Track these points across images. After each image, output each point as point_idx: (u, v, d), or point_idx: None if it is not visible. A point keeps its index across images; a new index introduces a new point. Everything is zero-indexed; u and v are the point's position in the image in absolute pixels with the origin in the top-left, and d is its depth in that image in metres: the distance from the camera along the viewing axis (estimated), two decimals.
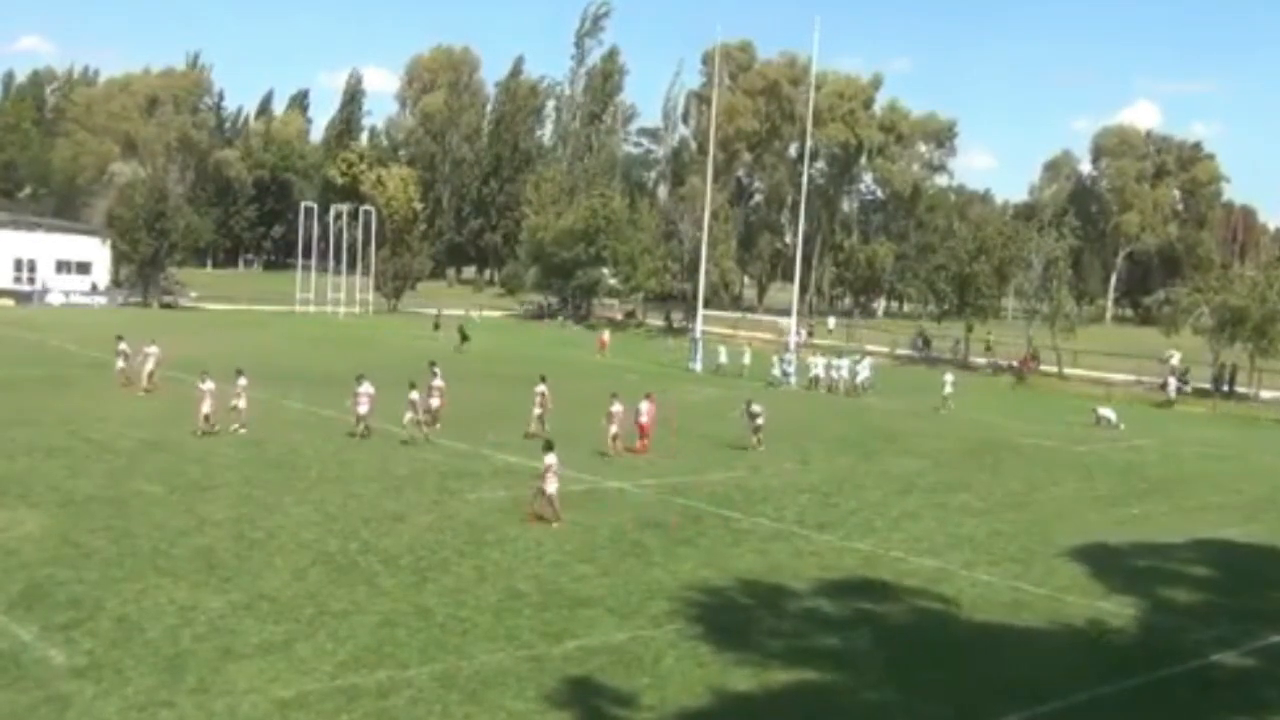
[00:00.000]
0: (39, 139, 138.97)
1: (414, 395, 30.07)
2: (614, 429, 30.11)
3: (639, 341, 76.32)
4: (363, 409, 30.27)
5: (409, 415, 29.90)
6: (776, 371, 54.98)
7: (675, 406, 42.23)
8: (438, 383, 33.11)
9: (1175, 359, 60.38)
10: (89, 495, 22.66)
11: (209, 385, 29.88)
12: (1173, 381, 56.46)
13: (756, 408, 33.12)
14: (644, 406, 31.62)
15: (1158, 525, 26.46)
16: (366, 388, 30.39)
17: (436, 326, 70.47)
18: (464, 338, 63.03)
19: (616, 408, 30.24)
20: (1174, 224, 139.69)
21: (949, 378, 49.36)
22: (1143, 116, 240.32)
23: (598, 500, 25.06)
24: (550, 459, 22.34)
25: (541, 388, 32.58)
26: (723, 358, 59.11)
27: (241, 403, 30.41)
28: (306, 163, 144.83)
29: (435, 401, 32.35)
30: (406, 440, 29.65)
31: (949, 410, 46.45)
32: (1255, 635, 18.36)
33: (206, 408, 29.55)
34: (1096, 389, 58.22)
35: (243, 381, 30.86)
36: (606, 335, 70.99)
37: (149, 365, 37.58)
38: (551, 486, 22.23)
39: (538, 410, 32.16)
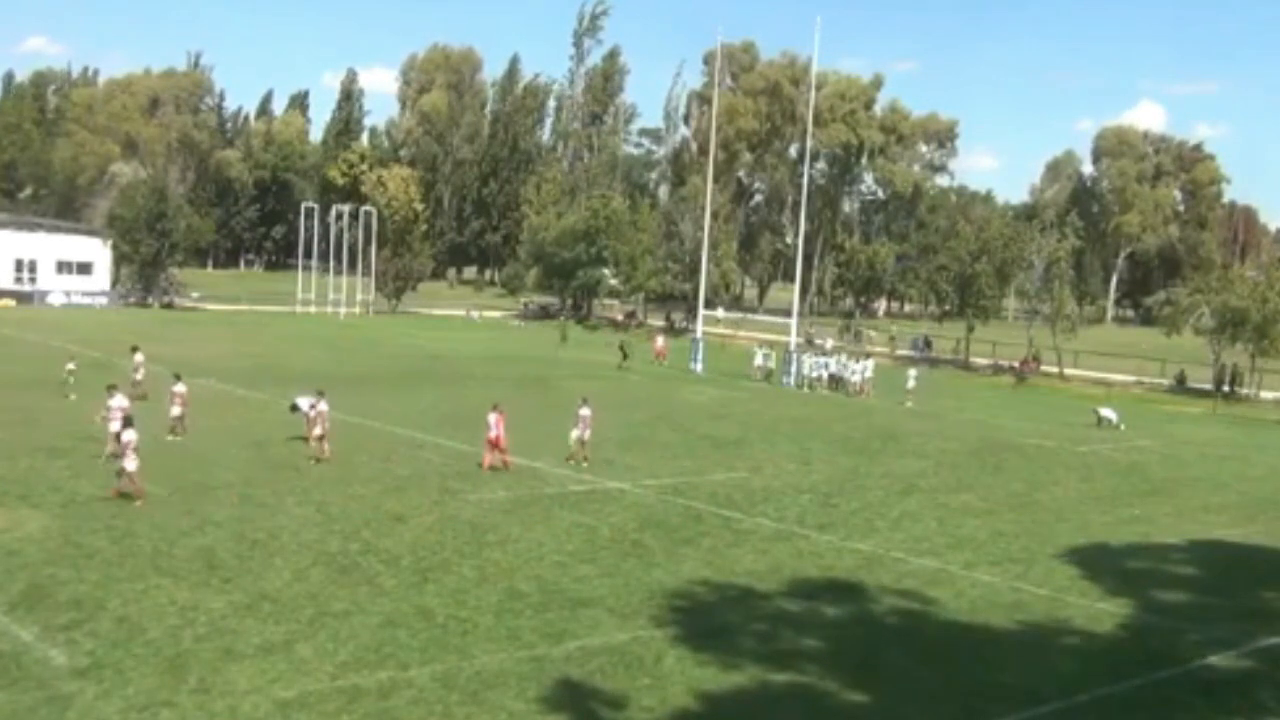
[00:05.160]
0: (40, 139, 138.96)
1: (323, 407, 27.72)
2: (317, 430, 27.32)
3: (638, 341, 76.11)
4: (114, 426, 25.64)
5: (316, 430, 27.56)
6: (808, 373, 54.58)
7: (677, 407, 42.32)
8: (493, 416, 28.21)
9: None
10: (90, 496, 22.65)
11: None
12: None
13: (585, 411, 29.24)
14: (491, 419, 27.51)
15: (1158, 526, 26.48)
16: (119, 400, 26.71)
17: (564, 337, 68.45)
18: (625, 355, 57.68)
19: (323, 407, 27.55)
20: (1175, 225, 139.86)
21: (912, 372, 51.49)
22: (1147, 118, 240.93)
23: (599, 501, 25.07)
24: (129, 435, 22.29)
25: (179, 386, 29.61)
26: (759, 360, 56.93)
27: None
28: (307, 163, 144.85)
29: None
30: (312, 457, 27.32)
31: (912, 404, 47.47)
32: (1254, 637, 18.37)
33: None
34: (1097, 389, 58.31)
35: None
36: (662, 341, 64.99)
37: None
38: (131, 465, 22.18)
39: (177, 410, 29.41)
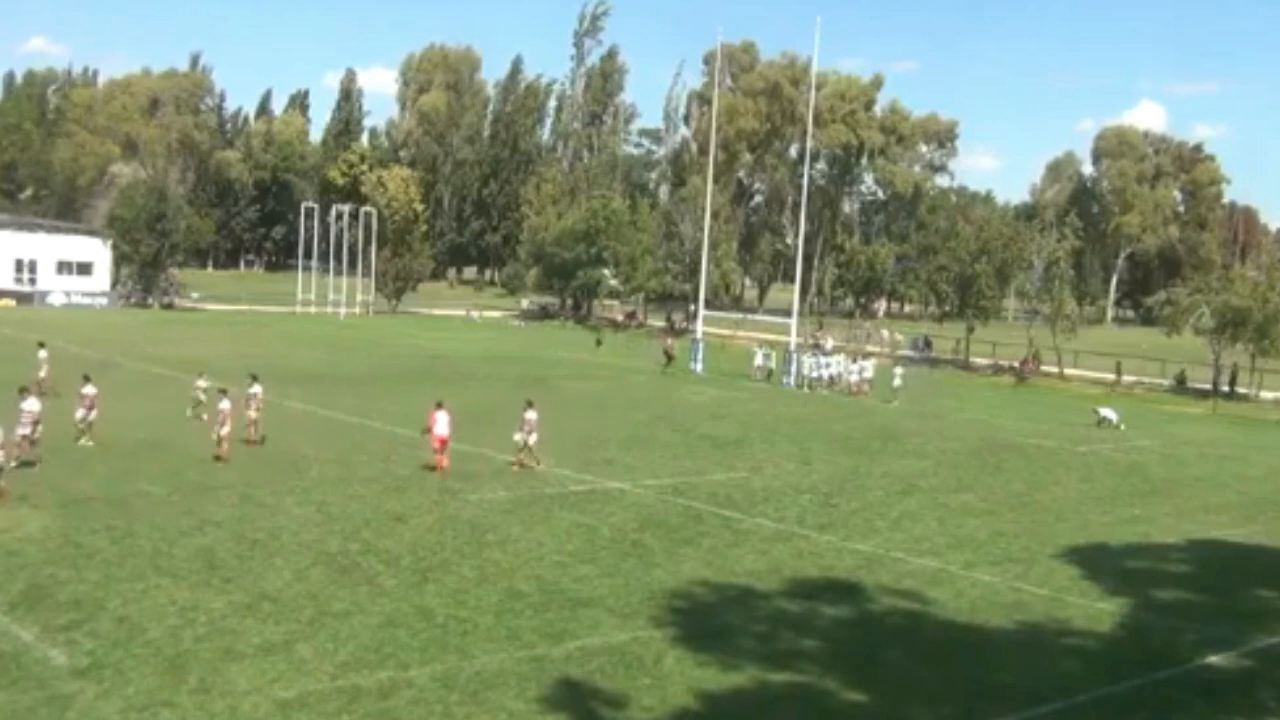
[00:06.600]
0: (40, 140, 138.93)
1: (225, 405, 26.82)
2: (221, 429, 26.56)
3: (639, 341, 76.22)
4: (24, 430, 24.43)
5: (223, 429, 26.58)
6: (808, 373, 54.49)
7: (677, 407, 42.31)
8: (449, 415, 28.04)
9: None
10: (90, 496, 22.66)
11: None
12: None
13: (531, 415, 27.89)
14: (439, 416, 26.85)
15: (1158, 526, 26.47)
16: (30, 403, 24.98)
17: (599, 343, 67.88)
18: (669, 358, 56.87)
19: (225, 405, 26.76)
20: (1175, 225, 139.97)
21: (898, 370, 51.38)
22: (1147, 118, 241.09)
23: (599, 501, 25.07)
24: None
25: (88, 389, 27.98)
26: (759, 360, 56.44)
27: None
28: (307, 163, 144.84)
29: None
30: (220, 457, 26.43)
31: (898, 403, 47.56)
32: (1254, 637, 18.36)
33: None
34: (1097, 389, 58.29)
35: None
36: (671, 342, 62.01)
37: None
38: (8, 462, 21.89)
39: (82, 414, 27.71)
